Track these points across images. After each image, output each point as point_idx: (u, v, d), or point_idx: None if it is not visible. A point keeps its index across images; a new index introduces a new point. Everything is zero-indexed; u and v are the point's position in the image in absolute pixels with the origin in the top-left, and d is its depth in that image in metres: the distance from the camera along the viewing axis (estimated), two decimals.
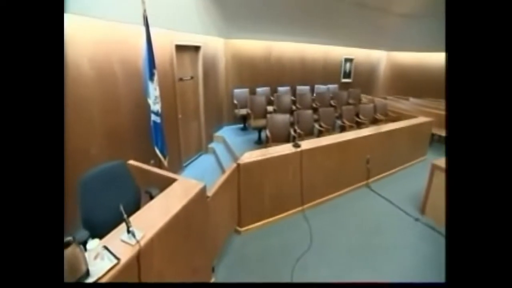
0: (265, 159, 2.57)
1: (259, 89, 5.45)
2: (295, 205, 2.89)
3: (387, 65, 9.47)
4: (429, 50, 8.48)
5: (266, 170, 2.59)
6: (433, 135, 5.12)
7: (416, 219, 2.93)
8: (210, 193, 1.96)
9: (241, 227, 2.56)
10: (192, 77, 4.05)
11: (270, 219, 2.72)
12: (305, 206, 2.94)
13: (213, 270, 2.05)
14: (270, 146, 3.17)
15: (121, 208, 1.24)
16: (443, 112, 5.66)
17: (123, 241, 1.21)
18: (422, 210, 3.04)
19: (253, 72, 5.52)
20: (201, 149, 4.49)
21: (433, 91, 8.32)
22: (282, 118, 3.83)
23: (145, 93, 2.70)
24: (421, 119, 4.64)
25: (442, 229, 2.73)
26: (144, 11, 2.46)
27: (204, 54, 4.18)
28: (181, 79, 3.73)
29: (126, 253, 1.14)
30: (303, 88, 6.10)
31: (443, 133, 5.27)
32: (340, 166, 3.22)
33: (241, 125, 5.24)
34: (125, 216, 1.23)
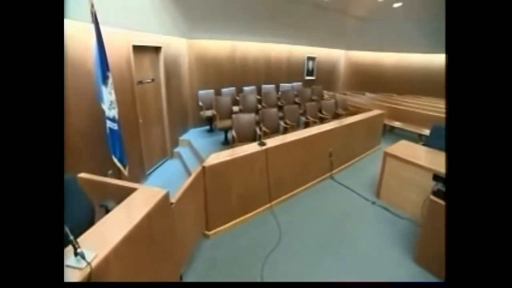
0: (231, 160, 2.53)
1: (224, 90, 5.36)
2: (263, 202, 2.91)
3: (346, 63, 9.98)
4: (382, 50, 9.16)
5: (232, 171, 2.55)
6: (385, 125, 5.54)
7: (373, 203, 3.16)
8: (174, 199, 1.88)
9: (209, 230, 2.50)
10: (153, 80, 3.83)
11: (239, 219, 2.70)
12: (273, 202, 2.97)
13: (181, 278, 1.97)
14: (236, 146, 3.14)
15: (66, 229, 1.11)
16: (393, 105, 6.16)
17: (69, 266, 1.08)
18: (377, 194, 3.29)
19: (218, 72, 5.41)
20: (166, 154, 4.27)
21: (385, 86, 9.02)
22: (248, 117, 3.82)
23: (98, 98, 2.48)
24: (376, 112, 4.98)
25: (394, 209, 3.01)
26: (92, 6, 2.22)
27: (165, 55, 3.97)
28: (140, 82, 3.50)
29: (72, 280, 1.03)
30: (268, 87, 6.16)
31: (393, 123, 5.74)
32: (305, 161, 3.32)
33: (207, 127, 5.11)
34: (71, 237, 1.10)
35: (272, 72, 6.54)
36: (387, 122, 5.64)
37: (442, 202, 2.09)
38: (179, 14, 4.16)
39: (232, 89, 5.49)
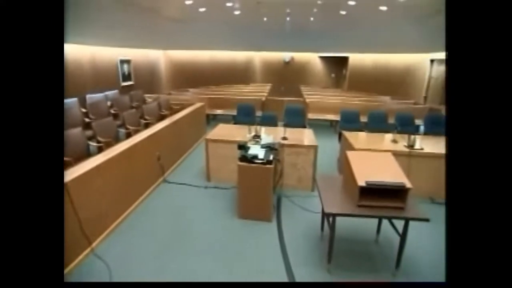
0: None
1: None
2: (79, 251, 2.15)
3: (166, 62, 9.65)
4: (198, 49, 9.60)
5: None
6: (208, 115, 6.00)
7: (205, 187, 3.33)
8: None
9: None
10: None
11: None
12: (94, 244, 2.29)
13: None
14: None
15: None
16: (211, 96, 6.74)
17: None
18: (208, 178, 3.50)
19: None
20: None
21: (204, 80, 9.76)
22: None
23: None
24: (198, 105, 5.21)
25: (223, 184, 3.32)
26: None
27: None
28: None
29: None
30: (69, 102, 4.66)
31: (214, 111, 6.33)
32: (130, 175, 2.83)
33: None
34: None
35: (74, 82, 4.98)
36: (209, 111, 6.12)
37: (245, 164, 2.52)
38: None
39: None
